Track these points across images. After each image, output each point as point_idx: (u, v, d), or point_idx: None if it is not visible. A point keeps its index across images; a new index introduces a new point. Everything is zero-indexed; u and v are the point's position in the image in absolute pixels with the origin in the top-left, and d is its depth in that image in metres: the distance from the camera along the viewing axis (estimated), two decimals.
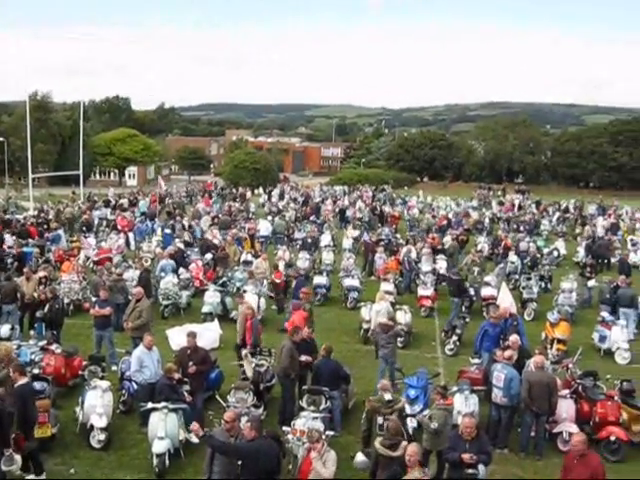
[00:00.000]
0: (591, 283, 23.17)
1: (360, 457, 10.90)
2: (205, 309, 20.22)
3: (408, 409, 12.73)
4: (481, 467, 9.87)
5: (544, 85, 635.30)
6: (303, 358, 13.68)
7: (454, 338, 18.27)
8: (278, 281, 22.24)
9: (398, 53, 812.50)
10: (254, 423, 9.53)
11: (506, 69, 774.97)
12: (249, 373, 13.94)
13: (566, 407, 12.97)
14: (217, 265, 24.63)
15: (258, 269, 22.91)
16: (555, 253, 31.54)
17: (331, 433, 11.11)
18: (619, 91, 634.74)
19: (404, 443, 9.50)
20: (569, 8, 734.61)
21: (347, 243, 31.40)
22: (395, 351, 15.63)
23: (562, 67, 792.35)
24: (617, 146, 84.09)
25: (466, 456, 9.69)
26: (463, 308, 21.03)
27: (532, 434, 12.62)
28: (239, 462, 9.20)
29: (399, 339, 16.93)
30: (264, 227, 34.01)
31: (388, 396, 11.69)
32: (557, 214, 47.46)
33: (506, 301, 18.28)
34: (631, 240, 35.92)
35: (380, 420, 10.85)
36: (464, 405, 12.62)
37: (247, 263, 25.05)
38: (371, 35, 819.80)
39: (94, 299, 17.72)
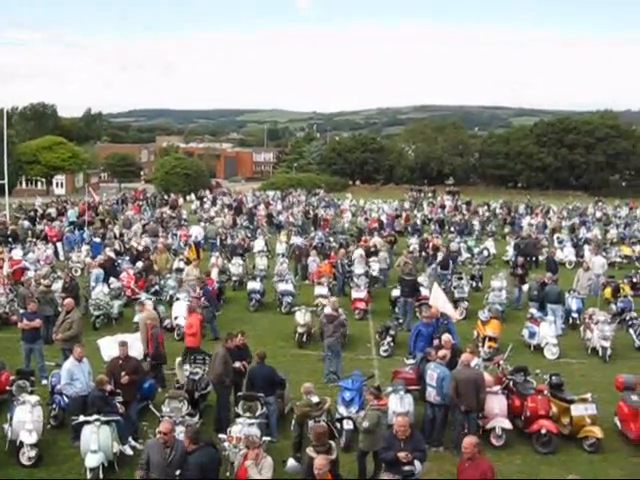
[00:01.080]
0: (525, 287, 23.52)
1: (291, 462, 10.90)
2: (137, 318, 19.86)
3: (344, 411, 12.78)
4: (417, 464, 9.97)
5: (473, 88, 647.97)
6: (237, 365, 13.60)
7: (388, 339, 18.41)
8: (210, 288, 22.04)
9: (328, 57, 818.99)
10: (191, 434, 9.42)
11: (436, 72, 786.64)
12: (182, 381, 13.79)
13: (498, 403, 13.18)
14: (148, 274, 24.26)
15: (189, 276, 22.69)
16: (485, 253, 32.21)
17: (267, 439, 11.07)
18: (543, 93, 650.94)
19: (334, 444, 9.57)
20: (493, 10, 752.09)
21: (280, 248, 31.39)
22: (340, 340, 16.15)
23: (489, 70, 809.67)
24: (542, 147, 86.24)
25: (402, 454, 9.77)
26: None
27: (465, 431, 12.81)
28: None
29: (342, 329, 17.07)
30: (196, 232, 33.69)
31: (315, 398, 11.72)
32: (487, 214, 48.46)
33: (439, 301, 18.55)
34: (557, 238, 36.92)
35: (311, 424, 10.84)
36: (399, 405, 12.70)
37: (179, 271, 24.75)
38: (301, 39, 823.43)
39: (22, 311, 17.24)
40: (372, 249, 28.74)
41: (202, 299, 19.30)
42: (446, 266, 26.02)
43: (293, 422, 11.25)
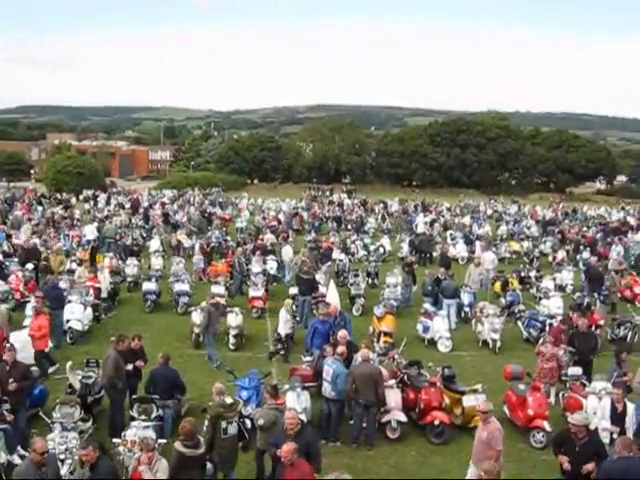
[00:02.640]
0: (415, 287, 24.04)
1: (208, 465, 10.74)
2: (28, 322, 19.10)
3: (242, 410, 12.70)
4: None
5: (370, 88, 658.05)
6: (130, 367, 13.31)
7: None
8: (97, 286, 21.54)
9: (226, 55, 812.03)
10: (93, 444, 9.08)
11: (334, 72, 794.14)
12: (75, 386, 13.36)
13: (393, 396, 13.43)
14: (39, 275, 23.38)
15: (81, 278, 22.06)
16: (381, 250, 32.75)
17: (163, 441, 10.87)
18: (438, 94, 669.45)
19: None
20: (390, 10, 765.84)
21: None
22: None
23: (387, 70, 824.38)
24: (436, 146, 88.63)
25: (280, 450, 9.60)
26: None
27: (364, 425, 12.99)
28: None
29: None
30: (89, 231, 32.69)
31: (229, 399, 11.60)
32: (382, 212, 49.28)
33: (335, 298, 18.73)
34: (450, 235, 37.94)
35: (224, 424, 10.72)
36: (296, 402, 12.71)
37: (71, 272, 23.94)
38: (198, 37, 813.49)
39: None
40: (269, 247, 28.74)
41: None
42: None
43: (206, 423, 11.08)
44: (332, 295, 19.19)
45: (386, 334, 18.49)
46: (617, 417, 11.55)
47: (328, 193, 66.10)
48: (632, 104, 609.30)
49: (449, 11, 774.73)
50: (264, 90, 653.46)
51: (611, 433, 11.41)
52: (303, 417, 12.31)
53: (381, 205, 54.67)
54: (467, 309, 22.09)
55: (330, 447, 12.58)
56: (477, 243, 33.30)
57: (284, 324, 18.05)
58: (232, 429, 10.65)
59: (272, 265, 26.44)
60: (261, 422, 10.99)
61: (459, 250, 33.29)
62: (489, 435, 10.17)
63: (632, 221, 48.82)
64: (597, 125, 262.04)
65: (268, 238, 30.99)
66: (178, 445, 9.49)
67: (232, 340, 18.60)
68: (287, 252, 27.89)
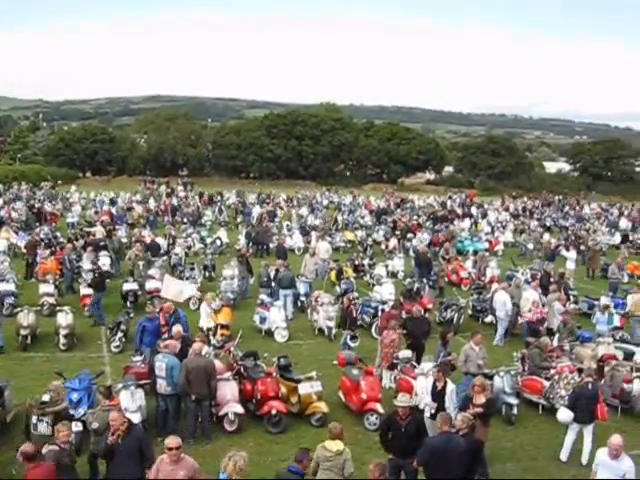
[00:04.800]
0: (252, 280, 24.01)
1: None
2: None
3: (73, 412, 12.19)
4: None
5: (207, 79, 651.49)
6: None
7: (119, 335, 17.88)
8: None
9: (56, 43, 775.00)
10: None
11: (169, 62, 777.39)
12: None
13: (230, 389, 13.39)
14: None
15: None
16: (218, 242, 32.57)
17: None
18: (275, 86, 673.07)
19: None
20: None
21: (1, 245, 29.08)
22: None
23: (224, 61, 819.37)
24: (273, 138, 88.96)
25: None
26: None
27: (199, 420, 12.87)
28: None
29: None
30: None
31: (46, 397, 11.08)
32: (219, 204, 48.96)
33: (170, 290, 18.43)
34: (287, 226, 38.40)
35: (34, 419, 10.21)
36: (130, 401, 12.34)
37: None
38: (27, 22, 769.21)
39: None
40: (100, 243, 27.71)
41: None
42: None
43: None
44: (167, 287, 18.86)
45: (223, 326, 18.41)
46: (437, 394, 12.08)
47: (164, 186, 64.55)
48: (458, 99, 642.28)
49: (282, 2, 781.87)
50: (97, 80, 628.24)
51: (432, 409, 11.97)
52: (138, 416, 12.04)
53: (219, 197, 54.41)
54: (303, 298, 22.43)
55: None
56: (313, 233, 33.89)
57: (206, 317, 17.94)
58: (42, 427, 10.19)
59: (105, 261, 25.54)
60: (95, 425, 10.61)
61: (295, 241, 33.74)
62: None
63: (458, 209, 51.51)
64: (426, 118, 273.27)
65: (98, 231, 29.88)
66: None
67: (62, 340, 17.77)
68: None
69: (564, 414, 12.46)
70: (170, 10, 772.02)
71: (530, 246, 35.33)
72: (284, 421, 13.29)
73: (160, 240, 29.25)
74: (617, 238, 41.54)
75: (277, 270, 22.55)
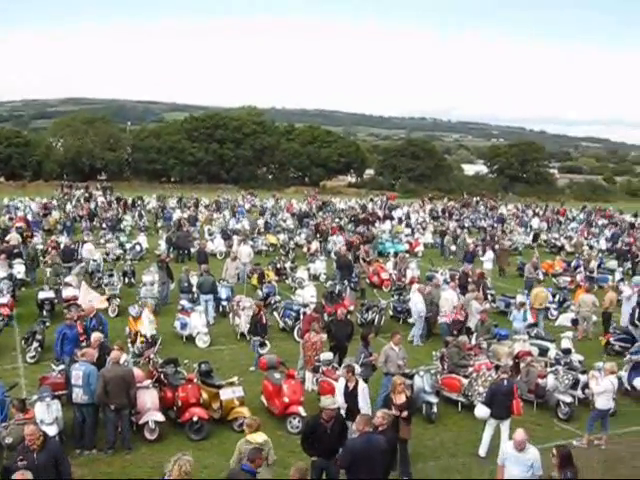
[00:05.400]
0: (172, 285, 23.77)
1: None
2: None
3: None
4: None
5: (126, 82, 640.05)
6: None
7: (35, 345, 17.36)
8: None
9: None
10: None
11: (87, 65, 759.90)
12: None
13: (150, 397, 13.18)
14: None
15: None
16: (137, 247, 32.04)
17: None
18: (196, 89, 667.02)
19: None
20: (147, 5, 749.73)
21: None
22: None
23: (143, 64, 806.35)
24: (194, 142, 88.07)
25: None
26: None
27: (119, 430, 12.61)
28: None
29: None
30: None
31: None
32: (139, 209, 48.22)
33: (88, 299, 18.03)
34: (208, 230, 38.12)
35: None
36: (46, 414, 11.99)
37: None
38: None
39: None
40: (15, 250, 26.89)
41: None
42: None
43: None
44: (86, 296, 18.44)
45: (142, 334, 18.08)
46: (349, 394, 12.15)
47: (82, 190, 63.02)
48: (379, 103, 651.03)
49: (202, 5, 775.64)
50: (12, 82, 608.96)
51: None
52: (54, 428, 11.72)
53: (139, 202, 53.57)
54: (225, 303, 22.29)
55: (85, 456, 12.10)
56: (234, 237, 33.71)
57: (148, 324, 17.49)
58: None
59: (19, 269, 24.78)
60: (9, 440, 10.27)
61: (217, 245, 33.49)
62: None
63: (379, 212, 52.16)
64: (348, 122, 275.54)
65: (13, 238, 28.97)
66: None
67: None
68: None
69: (481, 410, 12.77)
70: (90, 13, 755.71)
71: (453, 248, 35.98)
72: (206, 427, 13.17)
73: (90, 246, 28.60)
74: (531, 238, 42.89)
75: (202, 274, 22.24)
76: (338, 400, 11.76)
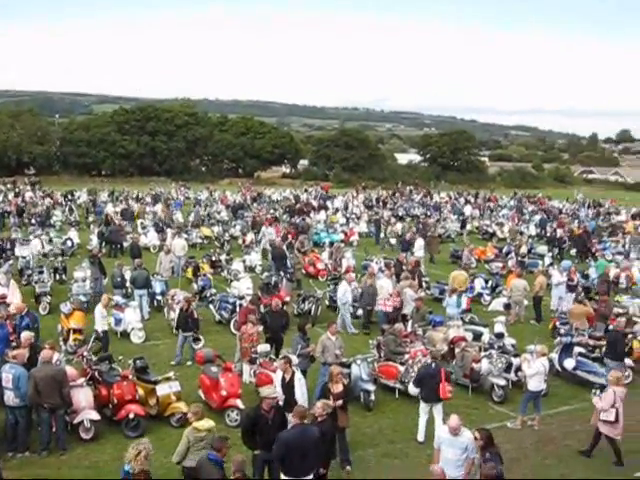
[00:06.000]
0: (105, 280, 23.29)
1: None
2: None
3: None
4: None
5: (53, 73, 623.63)
6: None
7: None
8: None
9: None
10: None
11: (12, 56, 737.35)
12: None
13: (84, 395, 12.94)
14: None
15: None
16: (69, 243, 31.36)
17: None
18: (126, 80, 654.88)
19: None
20: None
21: None
22: None
23: (68, 55, 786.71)
24: (125, 134, 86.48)
25: None
26: None
27: (54, 430, 12.34)
28: None
29: None
30: None
31: None
32: (69, 204, 47.13)
33: (17, 298, 17.58)
34: (141, 224, 37.55)
35: None
36: None
37: None
38: None
39: None
40: None
41: None
42: None
43: None
44: (14, 295, 17.95)
45: (75, 331, 17.68)
46: (286, 386, 12.19)
47: (10, 186, 61.20)
48: (313, 93, 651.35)
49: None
50: None
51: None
52: None
53: (70, 196, 52.41)
54: (159, 297, 22.01)
55: (18, 459, 11.83)
56: (168, 230, 33.29)
57: (101, 320, 17.05)
58: None
59: None
60: None
61: (150, 239, 33.02)
62: None
63: (314, 202, 52.27)
64: (281, 112, 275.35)
65: None
66: None
67: None
68: None
69: (412, 389, 13.59)
70: (11, 3, 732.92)
71: (393, 241, 36.19)
72: (143, 424, 13.02)
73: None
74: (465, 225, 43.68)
75: (135, 269, 21.82)
76: (277, 391, 11.78)
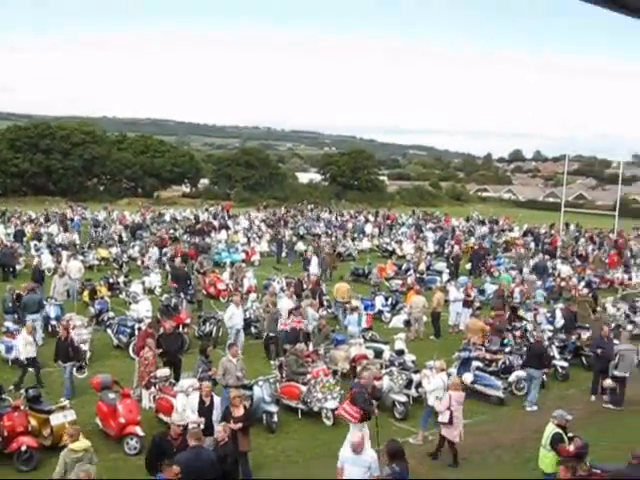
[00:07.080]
0: None
1: None
2: None
3: None
4: None
5: None
6: None
7: None
8: None
9: None
10: None
11: None
12: None
13: None
14: None
15: None
16: None
17: None
18: (18, 97, 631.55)
19: None
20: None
21: None
22: None
23: None
24: (17, 152, 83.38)
25: None
26: None
27: None
28: None
29: None
30: None
31: None
32: None
33: None
34: (35, 245, 36.27)
35: None
36: None
37: None
38: None
39: None
40: None
41: None
42: None
43: None
44: None
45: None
46: (205, 409, 12.09)
47: None
48: (212, 111, 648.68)
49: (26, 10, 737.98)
50: None
51: (199, 425, 11.85)
52: None
53: None
54: (54, 322, 21.17)
55: None
56: (63, 253, 32.24)
57: (24, 347, 16.57)
58: None
59: None
60: None
61: (45, 261, 31.84)
62: None
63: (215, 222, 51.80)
64: (180, 131, 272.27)
65: None
66: None
67: None
68: None
69: None
70: None
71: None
72: (36, 456, 12.51)
73: None
74: (365, 243, 44.30)
75: (20, 295, 21.02)
76: (190, 416, 11.60)
